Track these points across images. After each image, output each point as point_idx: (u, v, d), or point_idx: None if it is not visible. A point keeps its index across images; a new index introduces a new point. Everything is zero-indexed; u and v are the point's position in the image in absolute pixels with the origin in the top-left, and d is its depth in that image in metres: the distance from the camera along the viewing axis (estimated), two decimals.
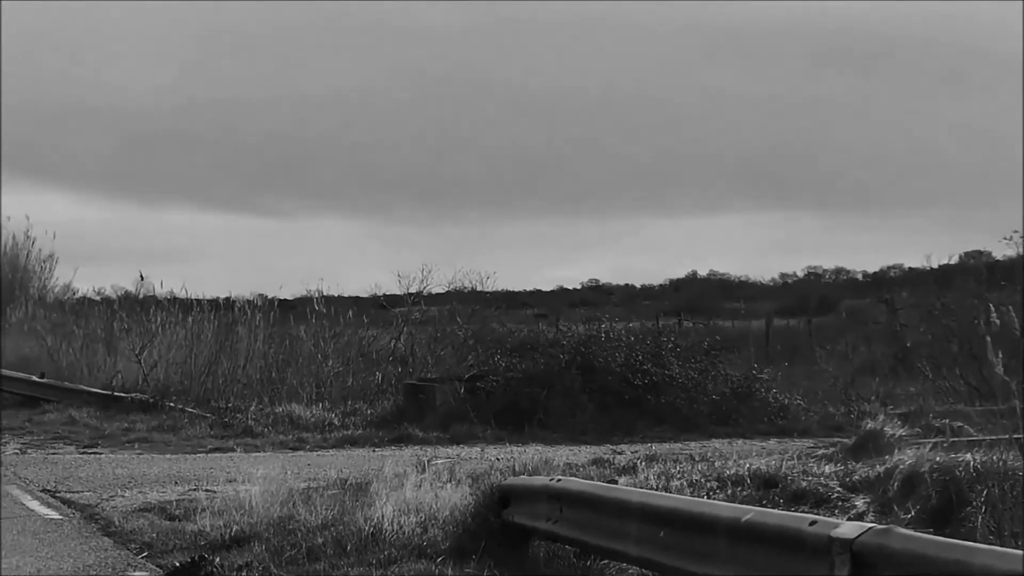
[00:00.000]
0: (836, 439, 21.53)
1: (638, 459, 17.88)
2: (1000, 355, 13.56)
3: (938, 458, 13.35)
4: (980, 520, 12.06)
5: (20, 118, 78.96)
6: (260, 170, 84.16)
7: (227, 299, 35.95)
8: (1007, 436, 14.46)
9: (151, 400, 29.42)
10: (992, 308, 16.14)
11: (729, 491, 13.97)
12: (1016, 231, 33.37)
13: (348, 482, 16.91)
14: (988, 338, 14.24)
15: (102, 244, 65.07)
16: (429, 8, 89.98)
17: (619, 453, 21.28)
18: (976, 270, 36.52)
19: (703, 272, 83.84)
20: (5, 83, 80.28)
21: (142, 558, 13.25)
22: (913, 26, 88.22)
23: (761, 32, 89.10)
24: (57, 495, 17.97)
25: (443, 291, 38.40)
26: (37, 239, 47.63)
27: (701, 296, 69.64)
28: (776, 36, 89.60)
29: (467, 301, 38.48)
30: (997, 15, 77.69)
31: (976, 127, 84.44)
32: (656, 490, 13.54)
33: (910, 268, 65.84)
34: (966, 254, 49.85)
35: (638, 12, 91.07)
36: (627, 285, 79.90)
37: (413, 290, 36.14)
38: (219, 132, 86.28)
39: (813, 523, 8.24)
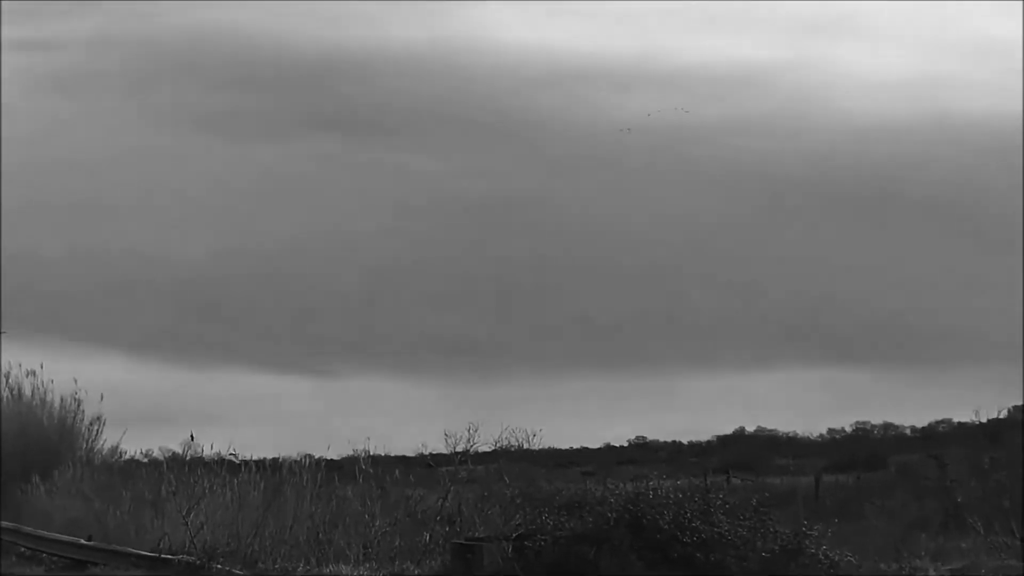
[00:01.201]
0: None
1: None
2: None
3: None
4: None
5: (65, 283, 79.82)
6: (307, 332, 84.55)
7: (274, 460, 36.03)
8: None
9: (198, 562, 29.37)
10: None
11: None
12: None
13: None
14: None
15: (149, 407, 65.25)
16: (457, 169, 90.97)
17: None
18: None
19: (751, 428, 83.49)
20: (51, 247, 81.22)
21: None
22: (965, 184, 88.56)
23: (804, 185, 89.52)
24: None
25: (490, 450, 38.35)
26: (83, 401, 47.92)
27: (749, 452, 69.37)
28: (820, 189, 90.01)
29: (514, 459, 38.42)
30: None
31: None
32: None
33: (959, 423, 65.50)
34: (1015, 408, 49.65)
35: (678, 167, 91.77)
36: (674, 442, 79.58)
37: (460, 449, 36.12)
38: (266, 295, 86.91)
39: None
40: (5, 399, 48.15)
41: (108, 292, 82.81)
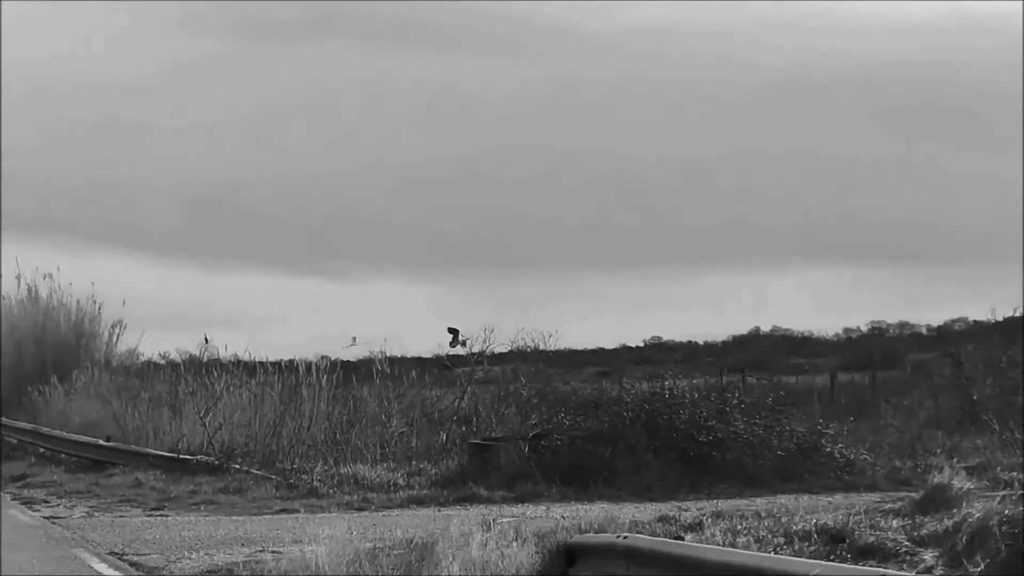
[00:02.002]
0: (903, 493, 21.35)
1: (704, 516, 17.80)
2: None
3: (1007, 511, 13.26)
4: None
5: (83, 187, 79.82)
6: (324, 233, 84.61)
7: (291, 361, 36.05)
8: None
9: (217, 462, 29.52)
10: None
11: (796, 547, 13.90)
12: None
13: (414, 542, 16.90)
14: None
15: (168, 309, 65.40)
16: (484, 75, 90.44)
17: (685, 510, 21.18)
18: None
19: (766, 328, 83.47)
20: (73, 155, 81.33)
21: None
22: (983, 84, 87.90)
23: (823, 88, 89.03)
24: (124, 558, 18.07)
25: (506, 351, 38.41)
26: (104, 305, 48.02)
27: (764, 352, 69.36)
28: (839, 92, 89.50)
29: (530, 360, 38.47)
30: None
31: None
32: (722, 547, 13.47)
33: (975, 321, 65.42)
34: None
35: (695, 71, 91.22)
36: (690, 342, 79.49)
37: (476, 350, 36.16)
38: (283, 197, 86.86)
39: None
40: (18, 301, 48.27)
41: (126, 196, 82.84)
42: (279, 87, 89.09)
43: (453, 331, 30.91)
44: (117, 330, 48.12)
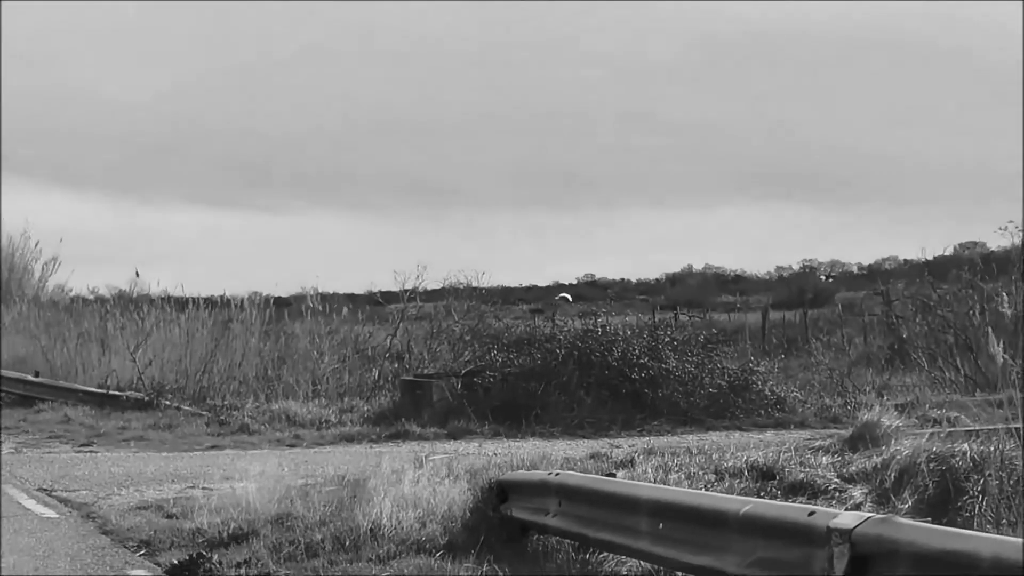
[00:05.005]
0: (833, 430, 21.49)
1: (636, 453, 17.84)
2: (1001, 344, 13.57)
3: (935, 448, 13.35)
4: (978, 509, 12.06)
5: (20, 120, 79.14)
6: (256, 169, 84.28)
7: (222, 297, 35.94)
8: (1004, 425, 14.48)
9: (146, 398, 29.40)
10: (1004, 296, 16.21)
11: (727, 483, 13.95)
12: (1011, 221, 33.48)
13: (346, 479, 16.88)
14: (989, 328, 14.24)
15: (101, 244, 65.11)
16: (421, 14, 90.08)
17: (617, 447, 21.25)
18: (971, 261, 36.57)
19: (699, 266, 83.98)
20: (6, 87, 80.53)
21: (140, 556, 13.21)
22: (912, 26, 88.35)
23: (758, 30, 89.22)
24: (53, 494, 17.94)
25: (439, 287, 38.43)
26: (40, 241, 47.71)
27: (697, 290, 69.75)
28: (773, 34, 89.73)
29: (463, 297, 38.46)
30: (995, 18, 77.70)
31: (971, 123, 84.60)
32: (654, 483, 13.50)
33: (905, 260, 65.95)
34: (960, 245, 49.99)
35: (633, 13, 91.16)
36: (623, 280, 79.95)
37: (409, 287, 36.12)
38: (216, 133, 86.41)
39: (812, 514, 8.22)
40: None
41: (61, 134, 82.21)
42: (209, 20, 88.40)
43: None
44: (51, 267, 47.84)
